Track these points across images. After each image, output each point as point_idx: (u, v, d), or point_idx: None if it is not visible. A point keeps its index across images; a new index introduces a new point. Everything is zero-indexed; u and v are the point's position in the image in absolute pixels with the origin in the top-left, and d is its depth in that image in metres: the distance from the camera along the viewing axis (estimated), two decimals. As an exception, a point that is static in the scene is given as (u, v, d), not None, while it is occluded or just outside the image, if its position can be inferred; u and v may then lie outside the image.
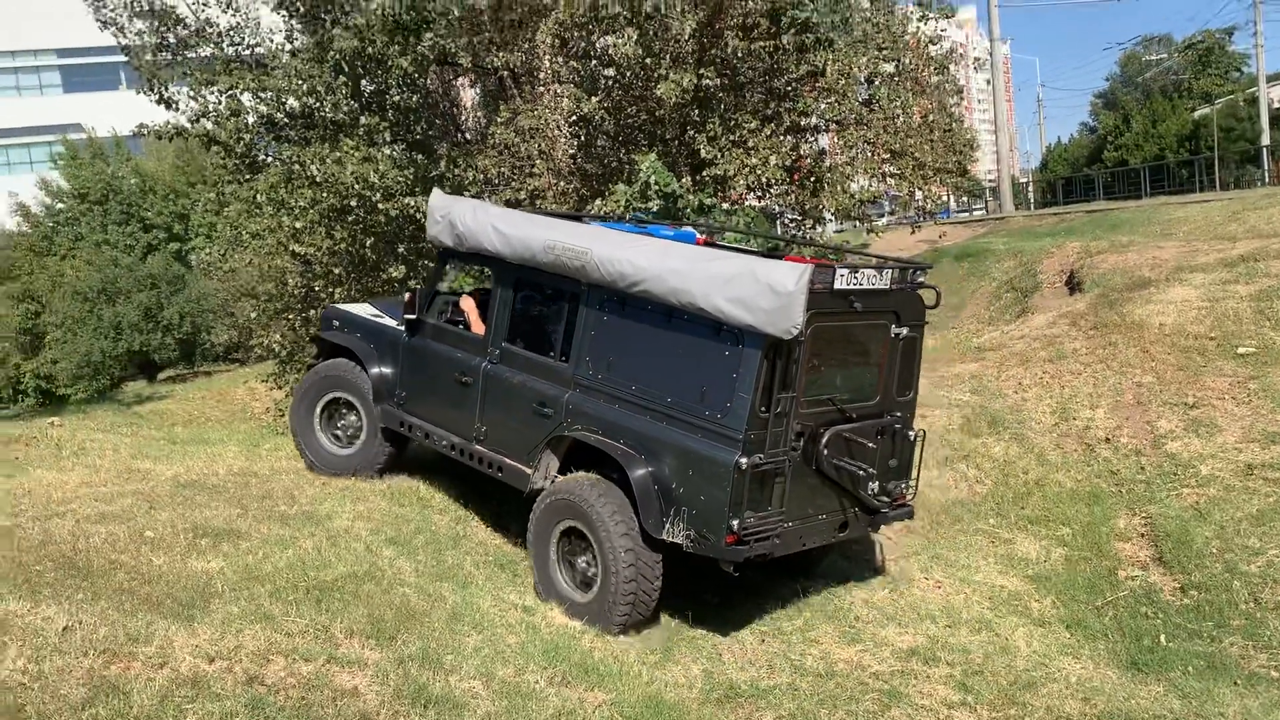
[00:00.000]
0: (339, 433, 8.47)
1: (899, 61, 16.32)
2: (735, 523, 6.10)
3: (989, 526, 9.16)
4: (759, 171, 13.47)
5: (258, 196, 13.54)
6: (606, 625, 6.55)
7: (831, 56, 14.11)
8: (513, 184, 13.83)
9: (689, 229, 7.73)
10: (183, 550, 6.36)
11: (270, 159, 13.98)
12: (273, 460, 9.01)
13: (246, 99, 13.60)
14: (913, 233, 22.61)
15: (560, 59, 14.52)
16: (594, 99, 13.68)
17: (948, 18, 17.56)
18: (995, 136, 34.84)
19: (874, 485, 6.88)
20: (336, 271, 13.95)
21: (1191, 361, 10.92)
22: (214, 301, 25.24)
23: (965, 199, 39.53)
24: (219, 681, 4.78)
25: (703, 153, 13.64)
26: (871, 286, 6.53)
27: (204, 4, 14.59)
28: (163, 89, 14.07)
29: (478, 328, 7.89)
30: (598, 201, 12.74)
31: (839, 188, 14.48)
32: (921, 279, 7.03)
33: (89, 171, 37.36)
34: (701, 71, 13.39)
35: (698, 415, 6.30)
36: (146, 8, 14.57)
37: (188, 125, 14.28)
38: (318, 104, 12.80)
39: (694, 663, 6.53)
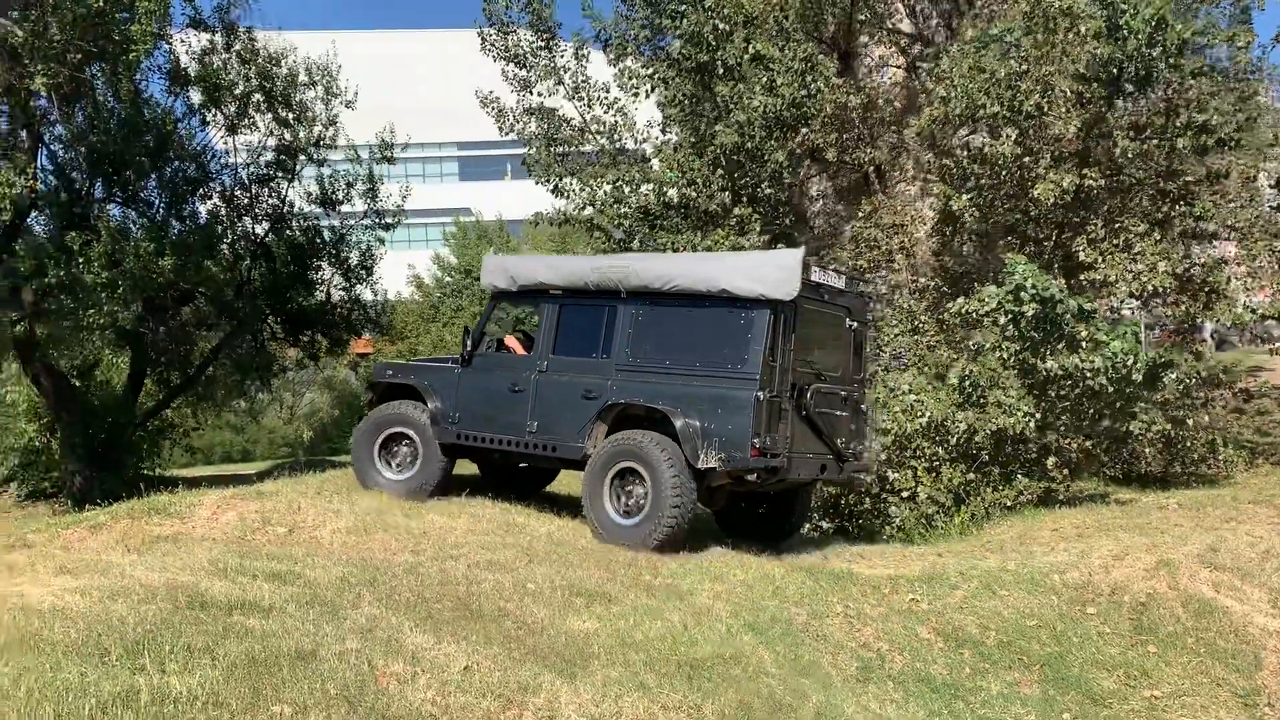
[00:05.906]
0: (393, 462, 9.98)
1: (1313, 164, 14.70)
2: (757, 441, 8.15)
3: None
4: (1145, 278, 12.51)
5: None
6: (646, 541, 8.25)
7: (1235, 158, 12.96)
8: (867, 276, 13.77)
9: None
10: (559, 606, 6.73)
11: (644, 245, 14.89)
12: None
13: (627, 190, 14.65)
14: (1315, 358, 19.54)
15: (929, 156, 14.43)
16: (964, 196, 13.40)
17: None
18: None
19: (843, 439, 9.08)
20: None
21: None
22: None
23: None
24: (600, 742, 4.95)
25: (1081, 255, 12.90)
26: (834, 284, 8.96)
27: (588, 105, 16.13)
28: (557, 179, 15.58)
29: (521, 354, 9.85)
30: (960, 300, 12.32)
31: (1238, 300, 13.11)
32: (863, 288, 9.74)
33: (474, 250, 41.72)
34: (1085, 172, 12.75)
35: (722, 370, 8.46)
36: (538, 110, 16.43)
37: (573, 212, 15.67)
38: (695, 195, 13.51)
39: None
